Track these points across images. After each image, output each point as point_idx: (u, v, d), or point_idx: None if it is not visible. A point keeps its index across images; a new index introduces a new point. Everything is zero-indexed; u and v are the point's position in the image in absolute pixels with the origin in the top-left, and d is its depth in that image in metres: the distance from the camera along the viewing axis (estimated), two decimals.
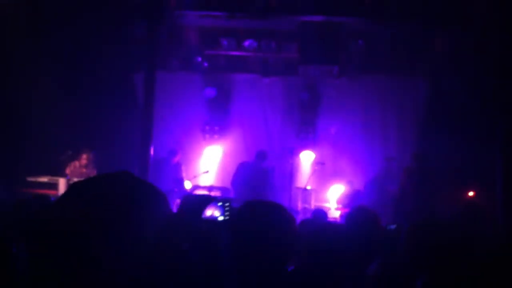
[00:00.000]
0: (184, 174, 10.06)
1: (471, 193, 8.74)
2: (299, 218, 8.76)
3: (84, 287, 1.34)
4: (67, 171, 9.04)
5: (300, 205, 9.80)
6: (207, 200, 2.05)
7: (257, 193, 9.39)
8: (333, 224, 5.97)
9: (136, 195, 1.44)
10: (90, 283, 1.34)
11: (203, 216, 2.14)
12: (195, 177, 10.30)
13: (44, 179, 8.57)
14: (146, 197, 1.46)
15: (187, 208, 2.00)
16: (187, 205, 1.98)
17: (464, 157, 9.56)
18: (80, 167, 9.11)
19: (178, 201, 9.04)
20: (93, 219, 1.36)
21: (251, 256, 2.05)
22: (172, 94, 11.06)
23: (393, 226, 6.14)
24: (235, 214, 2.11)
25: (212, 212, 2.98)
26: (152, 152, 10.24)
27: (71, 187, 1.46)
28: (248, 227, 2.10)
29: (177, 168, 10.07)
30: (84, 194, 1.42)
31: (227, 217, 2.91)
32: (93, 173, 9.05)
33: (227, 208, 2.95)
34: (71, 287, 1.33)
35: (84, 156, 9.13)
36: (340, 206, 9.58)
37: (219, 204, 2.94)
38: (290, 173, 9.95)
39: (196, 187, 9.90)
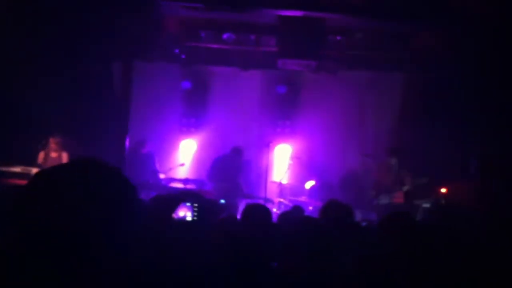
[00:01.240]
0: (158, 166, 10.00)
1: (443, 190, 8.85)
2: (275, 212, 8.78)
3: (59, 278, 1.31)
4: (39, 160, 8.90)
5: (275, 199, 9.82)
6: (176, 201, 2.03)
7: (233, 186, 9.41)
8: (311, 218, 6.00)
9: (103, 183, 1.41)
10: (65, 275, 1.31)
11: (174, 216, 2.14)
12: (170, 169, 10.25)
13: (17, 169, 8.41)
14: (114, 185, 1.42)
15: (158, 209, 1.98)
16: (157, 206, 1.97)
17: (441, 152, 9.68)
18: (50, 154, 8.96)
19: (153, 194, 9.00)
20: (60, 209, 1.33)
21: (235, 255, 2.04)
22: (149, 85, 10.97)
23: (364, 223, 6.21)
24: (205, 214, 2.09)
25: (184, 212, 3.00)
26: (127, 142, 10.18)
27: (36, 176, 1.42)
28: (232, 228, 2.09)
29: (148, 158, 9.99)
30: (50, 183, 1.38)
31: (195, 218, 2.93)
32: (62, 157, 8.91)
33: (195, 209, 2.97)
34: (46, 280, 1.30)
35: (52, 140, 8.97)
36: (312, 199, 9.64)
37: (188, 204, 2.96)
38: (266, 166, 9.96)
39: (171, 179, 9.85)
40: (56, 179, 1.40)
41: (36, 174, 1.44)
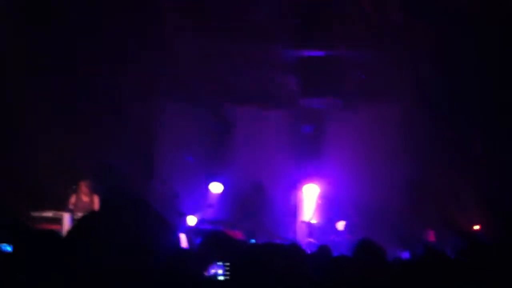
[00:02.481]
0: (184, 206, 10.03)
1: (476, 227, 8.70)
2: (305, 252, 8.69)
3: None
4: (70, 204, 8.99)
5: (305, 239, 9.73)
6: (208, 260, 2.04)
7: (256, 225, 9.36)
8: (338, 259, 5.90)
9: (148, 225, 1.44)
10: None
11: (206, 273, 2.15)
12: (199, 211, 10.27)
13: (49, 213, 8.52)
14: (158, 228, 1.46)
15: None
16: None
17: (471, 187, 9.53)
18: (82, 198, 9.05)
19: (181, 234, 9.01)
20: (107, 250, 1.36)
21: None
22: (174, 126, 11.10)
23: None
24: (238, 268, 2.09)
25: (214, 270, 3.02)
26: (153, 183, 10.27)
27: (82, 220, 1.45)
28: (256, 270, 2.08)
29: (172, 199, 10.05)
30: (95, 226, 1.42)
31: (227, 277, 2.94)
32: (94, 201, 8.98)
33: (227, 268, 2.97)
34: None
35: (83, 184, 9.07)
36: (342, 238, 9.52)
37: (220, 263, 2.97)
38: (294, 207, 9.91)
39: (200, 221, 9.86)
40: (106, 221, 1.43)
41: (84, 217, 1.47)
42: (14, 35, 8.63)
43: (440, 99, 10.42)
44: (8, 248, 5.05)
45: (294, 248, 2.14)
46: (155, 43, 9.68)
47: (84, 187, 9.02)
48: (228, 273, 3.02)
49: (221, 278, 3.01)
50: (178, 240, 1.42)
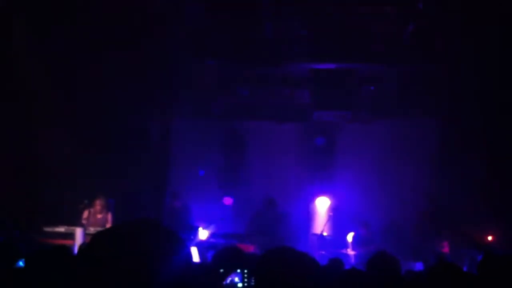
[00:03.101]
0: (195, 219, 10.05)
1: (490, 238, 8.61)
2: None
3: None
4: (83, 220, 9.04)
5: (316, 252, 9.68)
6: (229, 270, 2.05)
7: (272, 239, 9.35)
8: (349, 272, 5.88)
9: (161, 243, 1.46)
10: None
11: (223, 282, 2.16)
12: (211, 224, 10.27)
13: (61, 229, 8.57)
14: (170, 245, 1.47)
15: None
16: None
17: (481, 198, 9.46)
18: (94, 214, 9.11)
19: (193, 248, 9.01)
20: (118, 269, 1.38)
21: None
22: (187, 141, 11.17)
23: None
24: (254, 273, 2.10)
25: (231, 278, 3.02)
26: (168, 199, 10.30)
27: (96, 236, 1.47)
28: (272, 275, 2.08)
29: (183, 211, 10.06)
30: (108, 243, 1.44)
31: (245, 284, 2.93)
32: (107, 218, 9.04)
33: (245, 275, 2.97)
34: None
35: (98, 202, 9.14)
36: (354, 250, 9.45)
37: (238, 271, 2.97)
38: (306, 219, 9.90)
39: (212, 235, 9.85)
40: (115, 240, 1.45)
41: (98, 233, 1.49)
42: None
43: (453, 112, 10.40)
44: (21, 263, 5.10)
45: (307, 257, 2.14)
46: (172, 65, 9.81)
47: (98, 205, 9.09)
48: (246, 280, 3.03)
49: (239, 285, 3.00)
50: (190, 257, 1.43)
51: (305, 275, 2.04)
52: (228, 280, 3.02)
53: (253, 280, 1.99)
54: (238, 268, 3.00)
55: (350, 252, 9.45)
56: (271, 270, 2.07)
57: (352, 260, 9.07)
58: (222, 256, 3.76)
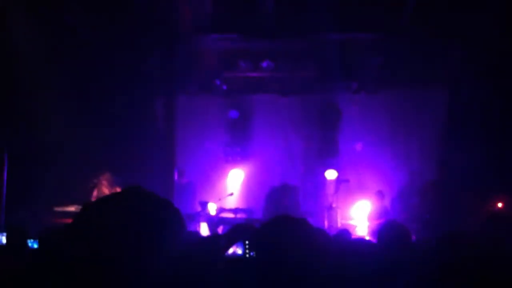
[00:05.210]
0: (200, 196, 10.10)
1: (499, 204, 8.59)
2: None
3: None
4: (93, 198, 9.09)
5: (326, 224, 9.73)
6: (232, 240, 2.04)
7: (280, 210, 9.36)
8: (358, 242, 5.90)
9: (148, 210, 1.42)
10: None
11: (225, 254, 2.15)
12: (219, 200, 10.32)
13: (72, 208, 8.63)
14: (158, 212, 1.43)
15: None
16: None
17: (489, 166, 9.42)
18: (103, 191, 9.14)
19: (202, 224, 9.07)
20: (106, 241, 1.35)
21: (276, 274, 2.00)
22: (192, 117, 11.16)
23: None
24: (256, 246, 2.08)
25: (233, 249, 3.01)
26: (175, 176, 10.33)
27: (82, 210, 1.44)
28: (274, 242, 2.06)
29: (189, 188, 10.10)
30: (95, 216, 1.40)
31: (247, 254, 2.92)
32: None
33: (246, 246, 2.96)
34: None
35: (103, 178, 9.16)
36: (370, 222, 9.44)
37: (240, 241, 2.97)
38: (314, 192, 9.91)
39: (221, 210, 9.90)
40: (103, 210, 1.42)
41: (85, 205, 1.46)
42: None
43: (459, 81, 10.29)
44: (35, 245, 5.15)
45: (309, 227, 2.11)
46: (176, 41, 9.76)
47: (104, 180, 9.11)
48: (247, 250, 3.01)
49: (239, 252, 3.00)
50: (184, 224, 1.39)
51: (304, 244, 2.01)
52: (230, 250, 3.04)
53: (254, 249, 1.98)
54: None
55: (362, 224, 9.49)
56: (270, 240, 2.04)
57: (364, 232, 9.11)
58: (236, 232, 3.76)
